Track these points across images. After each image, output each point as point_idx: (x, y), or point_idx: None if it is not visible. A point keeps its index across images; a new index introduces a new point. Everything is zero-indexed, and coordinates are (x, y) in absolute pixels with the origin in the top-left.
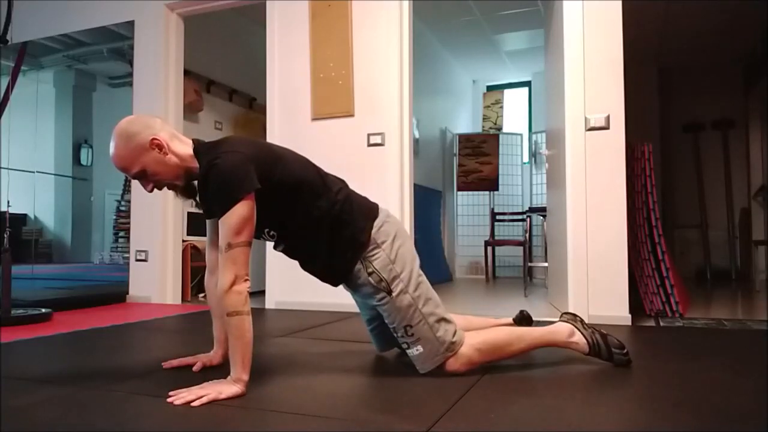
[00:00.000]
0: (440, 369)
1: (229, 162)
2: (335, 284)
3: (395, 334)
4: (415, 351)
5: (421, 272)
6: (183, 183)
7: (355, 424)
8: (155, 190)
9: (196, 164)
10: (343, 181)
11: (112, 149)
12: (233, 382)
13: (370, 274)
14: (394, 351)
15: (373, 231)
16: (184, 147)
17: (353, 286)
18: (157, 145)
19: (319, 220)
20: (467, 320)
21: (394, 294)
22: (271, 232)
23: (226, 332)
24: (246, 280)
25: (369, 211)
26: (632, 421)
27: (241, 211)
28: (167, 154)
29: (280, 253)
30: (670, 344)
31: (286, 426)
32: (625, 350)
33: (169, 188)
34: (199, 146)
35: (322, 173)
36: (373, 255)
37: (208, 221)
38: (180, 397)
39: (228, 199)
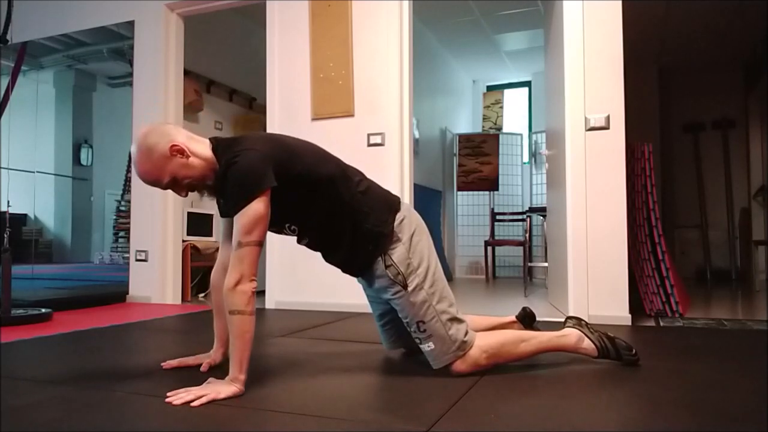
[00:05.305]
0: (446, 369)
1: (247, 160)
2: (356, 275)
3: (408, 329)
4: (426, 347)
5: (439, 269)
6: (213, 181)
7: (355, 424)
8: (189, 193)
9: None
10: (362, 173)
11: (136, 167)
12: (231, 381)
13: (387, 266)
14: (400, 351)
15: (395, 224)
16: (203, 147)
17: (369, 279)
18: (178, 151)
19: (340, 212)
20: (471, 320)
21: (409, 288)
22: (292, 227)
23: (228, 330)
24: (252, 280)
25: (390, 203)
26: (632, 421)
27: (254, 210)
28: (189, 157)
29: (280, 253)
30: (670, 344)
31: (286, 426)
32: (634, 351)
33: (199, 190)
34: (217, 145)
35: (342, 165)
36: (393, 248)
37: (222, 220)
38: (179, 397)
39: (242, 197)
